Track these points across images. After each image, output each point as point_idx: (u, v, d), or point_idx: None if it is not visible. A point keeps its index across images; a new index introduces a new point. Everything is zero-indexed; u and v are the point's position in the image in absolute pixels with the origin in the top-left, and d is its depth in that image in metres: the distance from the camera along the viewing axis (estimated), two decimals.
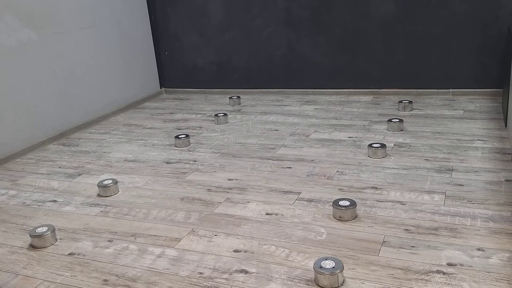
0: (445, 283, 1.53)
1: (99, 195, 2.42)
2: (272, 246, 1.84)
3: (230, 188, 2.37)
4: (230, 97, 4.03)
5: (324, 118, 3.40)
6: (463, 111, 3.31)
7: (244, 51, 4.22)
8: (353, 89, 3.97)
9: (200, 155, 2.87)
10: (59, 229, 2.11)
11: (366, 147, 2.72)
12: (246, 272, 1.69)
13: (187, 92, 4.56)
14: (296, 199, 2.20)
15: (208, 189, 2.38)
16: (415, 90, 3.78)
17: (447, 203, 2.04)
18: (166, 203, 2.28)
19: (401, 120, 3.00)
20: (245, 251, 1.81)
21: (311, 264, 1.69)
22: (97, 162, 2.91)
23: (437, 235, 1.81)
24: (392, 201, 2.10)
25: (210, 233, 1.96)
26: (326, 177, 2.41)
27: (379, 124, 3.17)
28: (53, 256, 1.90)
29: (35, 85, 3.25)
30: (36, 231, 1.98)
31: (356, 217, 1.98)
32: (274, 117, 3.53)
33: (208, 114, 3.76)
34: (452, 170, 2.37)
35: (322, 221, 1.99)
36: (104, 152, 3.07)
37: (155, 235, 1.99)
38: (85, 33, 3.67)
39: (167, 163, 2.79)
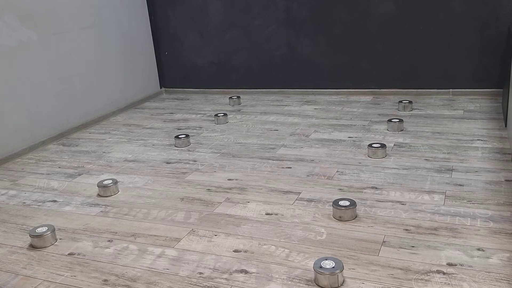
0: (445, 283, 1.53)
1: (99, 195, 2.42)
2: (272, 246, 1.84)
3: (230, 188, 2.37)
4: (230, 97, 4.03)
5: (324, 118, 3.40)
6: (463, 111, 3.31)
7: (244, 51, 4.22)
8: (353, 89, 3.97)
9: (200, 155, 2.87)
10: (59, 229, 2.11)
11: (366, 147, 2.72)
12: (246, 272, 1.69)
13: (187, 92, 4.56)
14: (296, 199, 2.20)
15: (208, 189, 2.38)
16: (415, 90, 3.78)
17: (447, 203, 2.04)
18: (166, 203, 2.28)
19: (401, 120, 3.00)
20: (245, 251, 1.81)
21: (311, 264, 1.69)
22: (97, 162, 2.91)
23: (437, 235, 1.81)
24: (392, 201, 2.10)
25: (210, 233, 1.97)
26: (326, 177, 2.41)
27: (379, 124, 3.17)
28: (53, 256, 1.90)
29: (35, 85, 3.25)
30: (36, 231, 1.98)
31: (356, 217, 1.98)
32: (274, 117, 3.53)
33: (208, 114, 3.76)
34: (452, 170, 2.37)
35: (322, 221, 1.99)
36: (104, 152, 3.07)
37: (155, 235, 1.99)
38: (85, 33, 3.67)
39: (167, 163, 2.79)
